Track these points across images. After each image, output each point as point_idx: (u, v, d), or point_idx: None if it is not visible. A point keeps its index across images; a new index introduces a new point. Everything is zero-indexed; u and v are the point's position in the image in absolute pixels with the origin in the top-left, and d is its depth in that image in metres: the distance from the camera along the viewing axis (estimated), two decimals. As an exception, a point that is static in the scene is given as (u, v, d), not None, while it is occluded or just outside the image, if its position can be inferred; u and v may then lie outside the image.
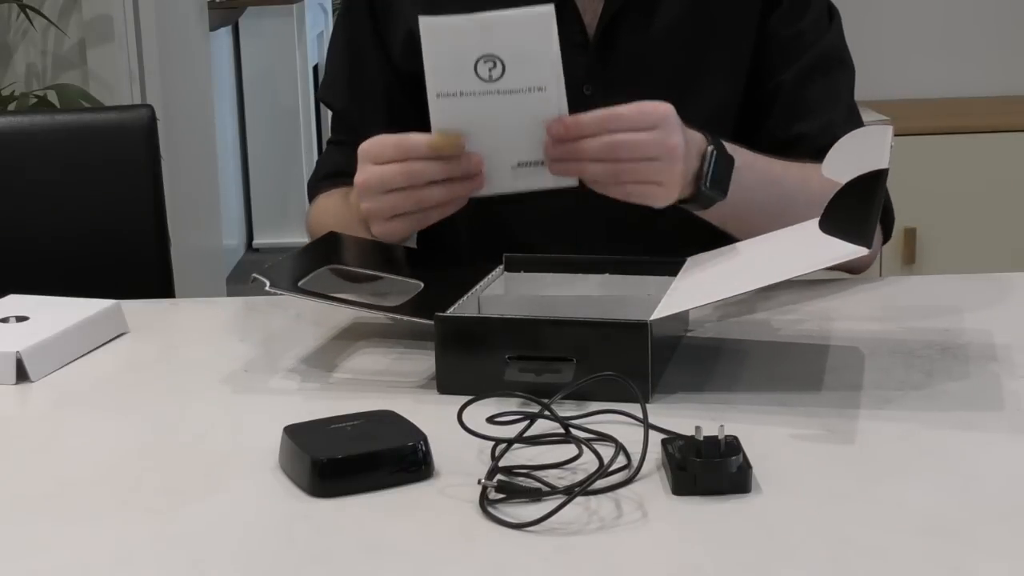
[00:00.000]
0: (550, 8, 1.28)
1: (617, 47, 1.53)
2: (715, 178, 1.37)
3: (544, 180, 1.34)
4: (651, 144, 1.29)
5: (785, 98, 1.57)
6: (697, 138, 1.36)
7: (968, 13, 3.66)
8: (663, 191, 1.32)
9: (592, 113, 1.29)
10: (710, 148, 1.37)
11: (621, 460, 1.06)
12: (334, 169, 1.62)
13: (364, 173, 1.34)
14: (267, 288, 1.28)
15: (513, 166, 1.34)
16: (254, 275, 1.29)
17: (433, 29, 1.29)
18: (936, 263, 3.39)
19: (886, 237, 1.63)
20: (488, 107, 1.30)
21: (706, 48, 1.55)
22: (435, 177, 1.31)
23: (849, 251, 1.21)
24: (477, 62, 1.29)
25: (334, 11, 5.68)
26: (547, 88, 1.30)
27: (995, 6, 3.66)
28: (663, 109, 1.30)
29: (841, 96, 1.60)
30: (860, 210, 1.22)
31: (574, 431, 1.10)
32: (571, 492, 1.00)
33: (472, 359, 1.23)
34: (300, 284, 1.31)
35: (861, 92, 1.64)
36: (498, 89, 1.29)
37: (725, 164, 1.38)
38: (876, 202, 1.22)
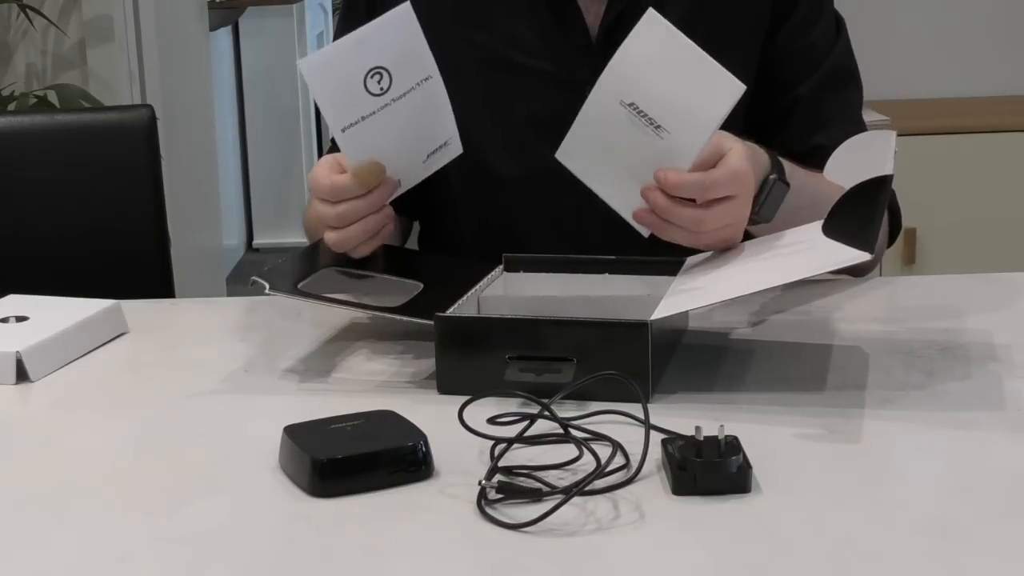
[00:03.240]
0: (407, 4, 1.33)
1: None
2: (767, 205, 1.37)
3: (451, 155, 1.41)
4: (730, 213, 1.30)
5: (802, 111, 1.59)
6: (762, 161, 1.37)
7: (968, 13, 3.66)
8: (725, 244, 1.34)
9: (692, 179, 1.29)
10: (772, 177, 1.37)
11: (620, 460, 1.06)
12: None
13: (312, 209, 1.40)
14: (267, 291, 1.28)
15: (423, 159, 1.40)
16: (253, 278, 1.29)
17: (315, 67, 1.33)
18: (936, 263, 3.39)
19: (892, 240, 1.63)
20: (389, 118, 1.34)
21: (711, 50, 1.55)
22: (361, 215, 1.35)
23: (851, 256, 1.20)
24: (365, 80, 1.32)
25: (334, 11, 5.68)
26: (432, 76, 1.35)
27: (995, 6, 3.66)
28: (749, 177, 1.31)
29: (854, 109, 1.62)
30: (864, 215, 1.21)
31: (574, 432, 1.10)
32: (576, 492, 1.00)
33: (472, 359, 1.23)
34: (300, 286, 1.32)
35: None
36: (392, 98, 1.34)
37: (780, 192, 1.38)
38: (880, 207, 1.22)
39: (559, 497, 0.99)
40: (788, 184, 1.38)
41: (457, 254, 1.60)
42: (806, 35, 1.58)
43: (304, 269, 1.36)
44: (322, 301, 1.32)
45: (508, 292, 1.41)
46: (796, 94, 1.58)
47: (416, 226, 1.71)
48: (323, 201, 1.36)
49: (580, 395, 1.17)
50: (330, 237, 1.38)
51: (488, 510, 1.00)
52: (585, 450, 1.07)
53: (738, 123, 1.57)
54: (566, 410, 1.15)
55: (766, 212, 1.37)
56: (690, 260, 1.38)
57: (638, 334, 1.20)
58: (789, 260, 1.28)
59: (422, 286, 1.36)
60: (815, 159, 1.52)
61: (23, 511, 1.05)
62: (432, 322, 1.24)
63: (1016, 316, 1.43)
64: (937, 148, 3.36)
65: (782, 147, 1.55)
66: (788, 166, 1.42)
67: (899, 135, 1.36)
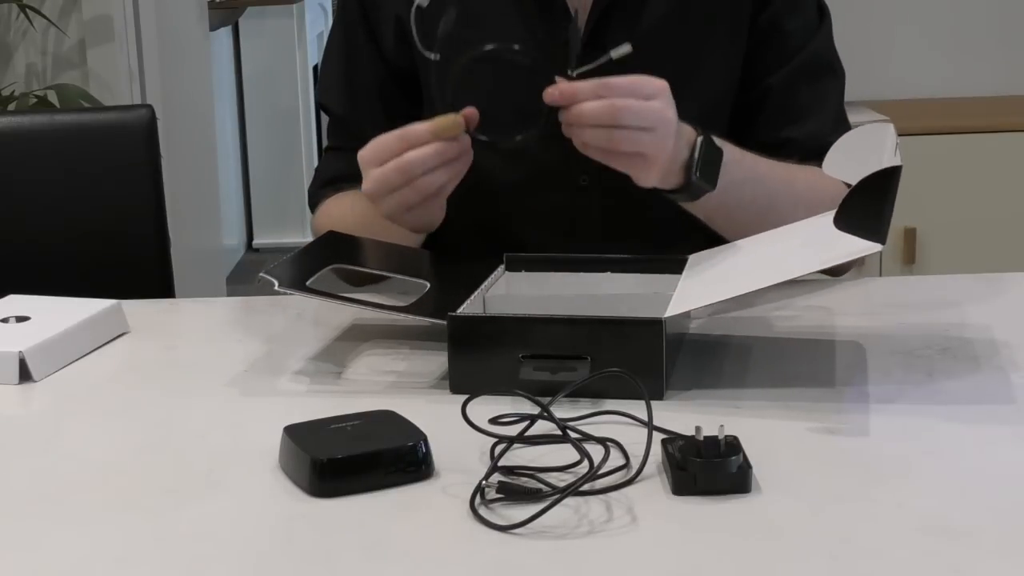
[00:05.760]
0: None
1: (607, 44, 1.53)
2: (704, 168, 1.37)
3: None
4: (649, 113, 1.30)
5: (774, 102, 1.57)
6: (686, 129, 1.37)
7: (968, 13, 3.66)
8: (648, 165, 1.32)
9: (588, 81, 1.30)
10: (699, 139, 1.38)
11: (620, 460, 1.06)
12: (335, 175, 1.62)
13: (368, 181, 1.35)
14: (276, 288, 1.28)
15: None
16: (261, 274, 1.29)
17: None
18: (936, 263, 3.39)
19: None
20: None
21: (697, 44, 1.55)
22: (431, 166, 1.32)
23: (863, 247, 1.20)
24: None
25: (334, 11, 5.67)
26: None
27: (995, 6, 3.66)
28: (659, 82, 1.32)
29: (829, 102, 1.59)
30: (874, 207, 1.21)
31: (574, 433, 1.10)
32: (571, 492, 1.00)
33: (485, 359, 1.23)
34: (308, 284, 1.31)
35: (861, 92, 1.64)
36: None
37: (714, 155, 1.38)
38: (890, 198, 1.21)
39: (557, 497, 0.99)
40: (720, 149, 1.38)
41: (450, 250, 1.60)
42: (781, 25, 1.56)
43: (310, 267, 1.36)
44: (332, 299, 1.31)
45: (511, 291, 1.41)
46: (768, 84, 1.57)
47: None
48: (382, 164, 1.32)
49: (593, 393, 1.17)
50: (394, 199, 1.34)
51: (483, 510, 1.00)
52: (592, 450, 1.07)
53: (724, 108, 1.57)
54: (577, 409, 1.15)
55: (705, 178, 1.37)
56: (693, 257, 1.38)
57: (653, 331, 1.20)
58: (799, 253, 1.28)
59: (428, 285, 1.36)
60: (786, 151, 1.53)
61: (23, 511, 1.05)
62: (445, 322, 1.24)
63: (1016, 316, 1.43)
64: (937, 148, 3.36)
65: (753, 138, 1.55)
66: (737, 150, 1.42)
67: (898, 135, 1.36)
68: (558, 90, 1.30)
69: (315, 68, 5.42)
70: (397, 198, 1.34)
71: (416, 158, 1.32)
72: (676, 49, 1.54)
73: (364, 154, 1.35)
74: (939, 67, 3.68)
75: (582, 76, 1.32)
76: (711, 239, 1.45)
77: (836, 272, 1.54)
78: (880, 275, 3.22)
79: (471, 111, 1.33)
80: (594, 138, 1.31)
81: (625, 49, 1.35)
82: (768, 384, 1.25)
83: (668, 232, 1.46)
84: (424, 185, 1.33)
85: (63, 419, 1.26)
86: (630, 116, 1.29)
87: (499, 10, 1.55)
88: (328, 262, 1.38)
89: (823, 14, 1.60)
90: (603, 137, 1.30)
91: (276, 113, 5.23)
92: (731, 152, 1.41)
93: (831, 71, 1.60)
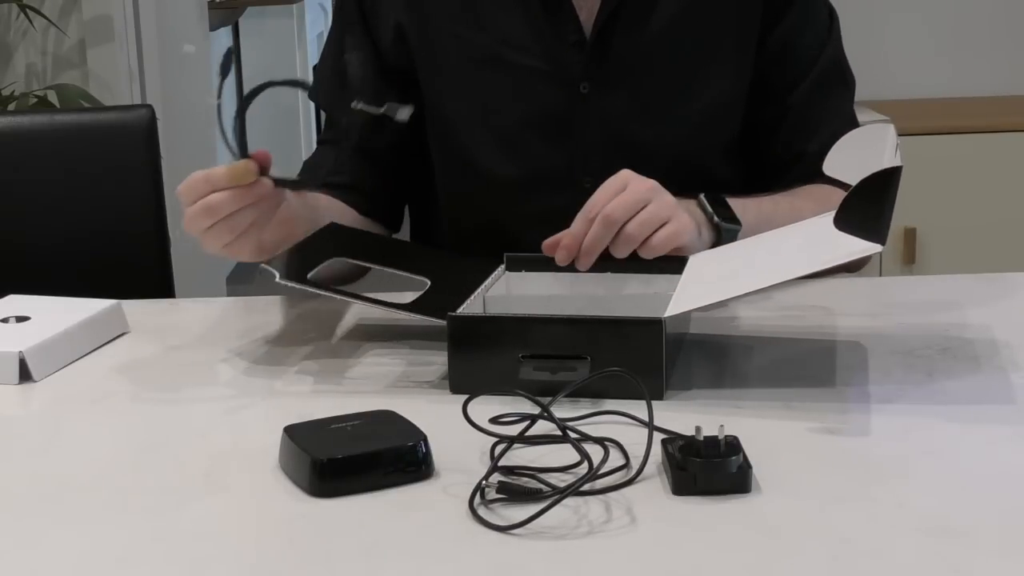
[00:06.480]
0: None
1: (613, 45, 1.53)
2: (722, 214, 1.41)
3: None
4: (633, 198, 1.33)
5: (791, 120, 1.58)
6: (683, 200, 1.39)
7: (968, 13, 3.66)
8: (678, 226, 1.34)
9: (577, 219, 1.34)
10: (700, 195, 1.41)
11: (620, 460, 1.06)
12: (312, 165, 1.64)
13: (184, 218, 1.37)
14: (277, 280, 1.28)
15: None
16: (262, 266, 1.29)
17: None
18: (936, 263, 3.39)
19: None
20: None
21: (704, 47, 1.55)
22: (233, 208, 1.33)
23: (862, 248, 1.20)
24: None
25: (333, 12, 5.67)
26: None
27: (995, 6, 3.66)
28: (622, 174, 1.35)
29: (843, 112, 1.61)
30: (874, 207, 1.21)
31: (575, 432, 1.10)
32: (570, 493, 1.00)
33: (485, 359, 1.23)
34: (309, 277, 1.31)
35: (861, 92, 1.64)
36: None
37: (720, 200, 1.42)
38: (890, 199, 1.21)
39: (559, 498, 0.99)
40: (721, 195, 1.42)
41: (451, 250, 1.60)
42: (798, 39, 1.57)
43: (312, 259, 1.36)
44: (333, 293, 1.31)
45: (512, 291, 1.41)
46: (788, 103, 1.58)
47: (408, 223, 1.71)
48: (193, 202, 1.34)
49: (593, 393, 1.17)
50: (209, 235, 1.35)
51: (483, 510, 1.00)
52: (593, 450, 1.07)
53: (733, 112, 1.57)
54: (577, 409, 1.15)
55: (729, 220, 1.41)
56: (693, 258, 1.38)
57: (652, 331, 1.20)
58: (798, 254, 1.28)
59: (429, 283, 1.36)
60: (801, 165, 1.53)
61: (23, 511, 1.05)
62: (445, 321, 1.24)
63: (1016, 316, 1.43)
64: (937, 148, 3.36)
65: (770, 153, 1.56)
66: (737, 198, 1.45)
67: (898, 135, 1.36)
68: (564, 250, 1.34)
69: (315, 68, 5.41)
70: (211, 235, 1.35)
71: (219, 201, 1.33)
72: (683, 51, 1.54)
73: (179, 191, 1.37)
74: (939, 67, 3.68)
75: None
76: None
77: (852, 268, 1.54)
78: (880, 275, 3.22)
79: (262, 153, 1.36)
80: (624, 248, 1.33)
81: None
82: (768, 384, 1.25)
83: None
84: (233, 224, 1.34)
85: (63, 419, 1.26)
86: (622, 211, 1.32)
87: (504, 9, 1.55)
88: (329, 255, 1.38)
89: (832, 18, 1.60)
90: (621, 243, 1.33)
91: (276, 113, 5.23)
92: (733, 201, 1.44)
93: (842, 80, 1.61)
